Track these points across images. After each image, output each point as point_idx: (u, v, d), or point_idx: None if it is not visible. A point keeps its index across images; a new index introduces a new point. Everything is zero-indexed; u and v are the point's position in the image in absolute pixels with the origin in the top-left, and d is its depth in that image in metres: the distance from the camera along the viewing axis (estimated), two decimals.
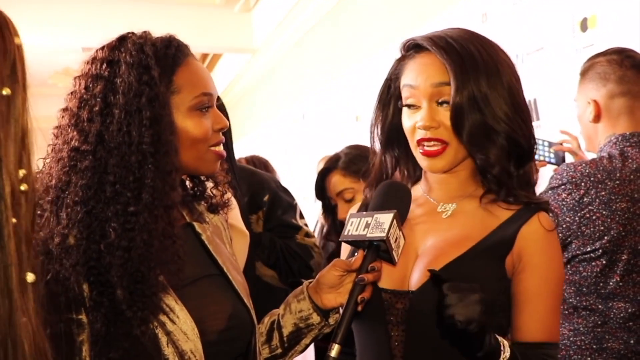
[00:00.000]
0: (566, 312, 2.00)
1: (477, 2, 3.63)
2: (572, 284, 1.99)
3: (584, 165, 1.94)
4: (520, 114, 1.31)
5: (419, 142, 1.32)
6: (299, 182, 5.62)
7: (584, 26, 2.90)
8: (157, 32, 1.31)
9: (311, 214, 4.21)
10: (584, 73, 2.07)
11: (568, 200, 1.93)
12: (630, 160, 1.92)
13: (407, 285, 1.30)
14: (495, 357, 1.18)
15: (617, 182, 1.89)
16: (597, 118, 2.02)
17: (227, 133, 1.55)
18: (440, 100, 1.30)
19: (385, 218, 1.22)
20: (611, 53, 2.02)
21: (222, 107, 2.00)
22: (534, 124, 3.23)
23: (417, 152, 1.34)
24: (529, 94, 3.22)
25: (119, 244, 1.13)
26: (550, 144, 2.47)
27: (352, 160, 2.59)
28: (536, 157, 2.39)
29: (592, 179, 1.90)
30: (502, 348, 1.19)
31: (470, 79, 1.28)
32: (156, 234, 1.16)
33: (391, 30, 4.51)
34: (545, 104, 3.19)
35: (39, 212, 1.15)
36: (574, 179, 1.92)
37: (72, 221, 1.13)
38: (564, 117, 2.83)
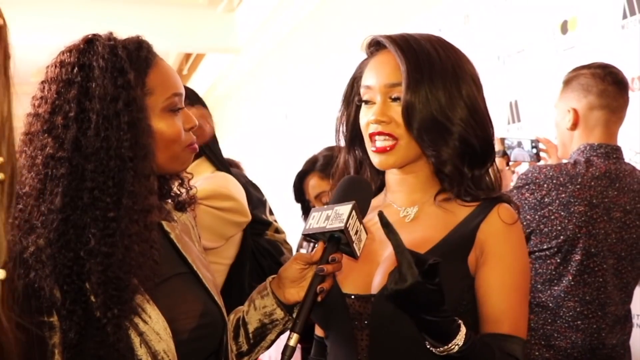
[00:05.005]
0: None
1: (459, 4, 3.64)
2: None
3: (548, 168, 2.07)
4: (475, 117, 1.31)
5: (371, 137, 1.32)
6: (281, 182, 5.61)
7: (564, 28, 2.93)
8: (142, 32, 1.29)
9: (295, 214, 4.20)
10: (567, 82, 2.19)
11: (530, 199, 2.04)
12: (593, 168, 2.05)
13: (370, 290, 1.30)
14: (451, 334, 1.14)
15: (578, 186, 2.01)
16: (574, 126, 2.15)
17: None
18: (393, 97, 1.31)
19: (344, 209, 1.23)
20: (596, 67, 2.15)
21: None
22: (515, 125, 3.26)
23: (370, 150, 1.35)
24: (509, 96, 3.25)
25: (100, 249, 1.11)
26: (534, 146, 2.50)
27: (330, 163, 2.53)
28: (512, 157, 2.45)
29: (554, 181, 2.03)
30: (459, 327, 1.14)
31: (424, 78, 1.28)
32: (136, 238, 1.14)
33: (374, 30, 4.49)
34: (526, 106, 3.21)
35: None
36: (537, 180, 2.04)
37: (47, 229, 1.11)
38: (545, 119, 2.85)
